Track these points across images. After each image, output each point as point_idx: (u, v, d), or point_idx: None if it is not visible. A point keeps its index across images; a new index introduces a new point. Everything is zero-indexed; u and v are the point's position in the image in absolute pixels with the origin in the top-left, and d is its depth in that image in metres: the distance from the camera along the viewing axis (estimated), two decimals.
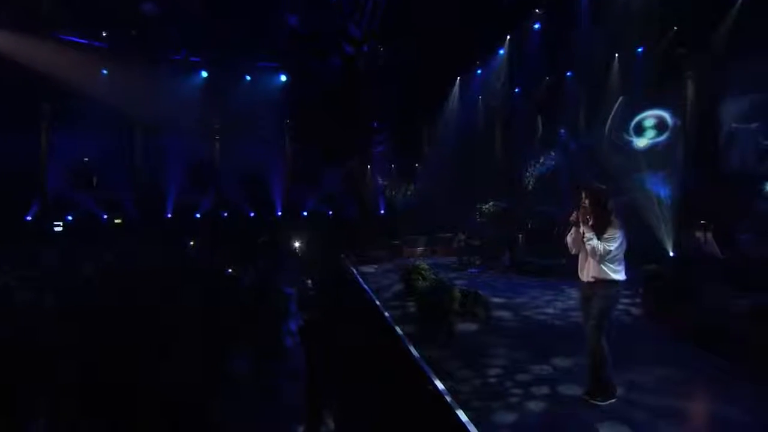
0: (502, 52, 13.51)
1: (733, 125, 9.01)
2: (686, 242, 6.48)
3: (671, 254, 9.06)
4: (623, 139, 11.40)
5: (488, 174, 14.50)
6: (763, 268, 5.26)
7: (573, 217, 3.75)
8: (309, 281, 7.14)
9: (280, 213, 17.00)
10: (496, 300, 7.21)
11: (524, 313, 6.69)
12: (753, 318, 4.69)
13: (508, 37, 13.02)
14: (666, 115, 10.64)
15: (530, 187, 12.75)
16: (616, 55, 11.53)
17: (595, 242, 3.56)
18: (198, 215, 16.39)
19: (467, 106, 15.32)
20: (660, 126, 10.82)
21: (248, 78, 15.96)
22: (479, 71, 14.80)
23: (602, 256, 3.56)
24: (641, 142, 11.28)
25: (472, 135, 15.24)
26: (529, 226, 11.27)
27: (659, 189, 9.44)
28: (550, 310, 6.79)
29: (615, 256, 3.57)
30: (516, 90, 14.35)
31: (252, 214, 16.93)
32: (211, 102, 15.19)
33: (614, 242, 3.55)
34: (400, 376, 4.43)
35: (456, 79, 15.40)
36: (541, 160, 12.67)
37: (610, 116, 11.66)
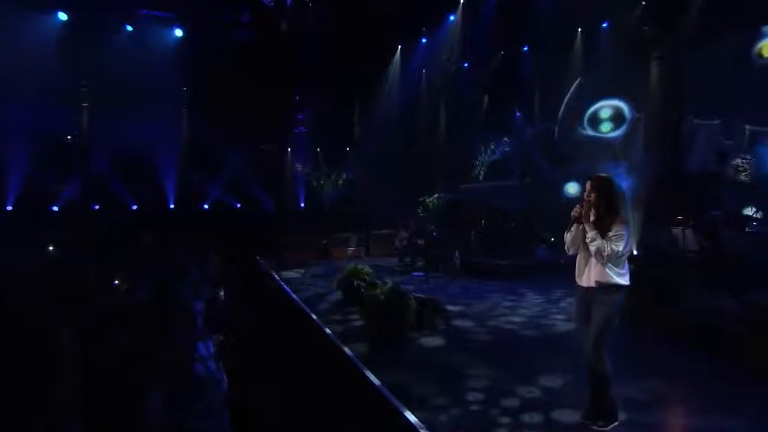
0: (453, 18, 13.47)
1: (695, 121, 9.78)
2: (660, 239, 6.78)
3: (635, 253, 9.61)
4: (576, 131, 11.94)
5: (433, 162, 14.56)
6: (744, 265, 5.54)
7: (575, 212, 3.64)
8: (222, 292, 6.35)
9: (173, 206, 15.57)
10: (454, 308, 7.20)
11: (489, 322, 6.67)
12: (742, 320, 4.88)
13: (462, 0, 13.02)
14: (624, 107, 11.28)
15: (481, 177, 12.90)
16: (579, 29, 12.02)
17: (599, 242, 3.49)
18: (56, 208, 14.27)
19: (409, 82, 15.16)
20: (617, 118, 11.44)
21: (129, 29, 14.14)
22: (424, 40, 14.66)
23: (609, 258, 3.48)
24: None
25: (415, 116, 15.22)
26: (482, 221, 11.32)
27: (622, 181, 9.97)
28: (517, 318, 6.85)
29: (621, 257, 3.53)
30: (465, 65, 14.43)
31: (134, 207, 15.23)
32: (74, 57, 13.14)
33: (621, 241, 3.48)
34: (360, 411, 4.01)
35: (397, 48, 15.13)
36: (492, 147, 12.85)
37: (564, 101, 12.16)
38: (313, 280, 10.11)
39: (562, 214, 12.16)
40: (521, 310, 7.32)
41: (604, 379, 3.56)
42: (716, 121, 9.63)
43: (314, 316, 6.79)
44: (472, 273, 10.20)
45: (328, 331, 6.03)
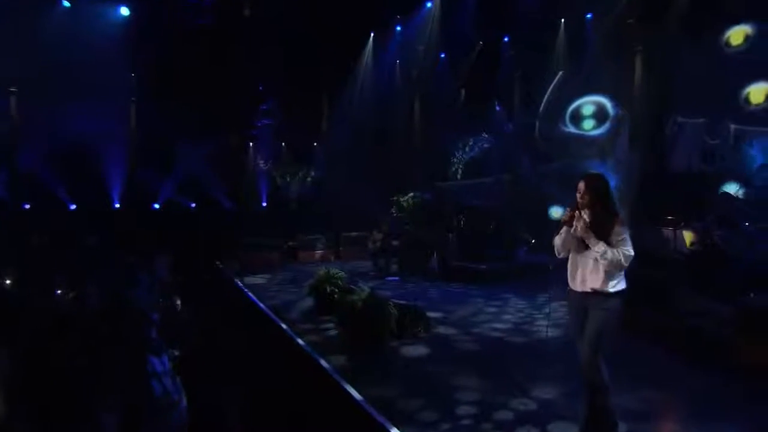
0: (429, 5, 13.48)
1: (680, 119, 10.10)
2: (650, 240, 6.92)
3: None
4: (558, 128, 12.14)
5: (408, 159, 14.54)
6: (737, 266, 5.71)
7: (566, 216, 3.59)
8: (178, 300, 6.10)
9: (118, 205, 15.00)
10: (434, 314, 7.15)
11: (474, 330, 6.65)
12: (736, 324, 5.00)
13: None
14: (606, 104, 11.50)
15: (459, 174, 12.94)
16: (562, 20, 12.23)
17: (611, 254, 3.39)
18: None
19: (382, 72, 15.07)
20: (599, 115, 11.66)
21: (66, 4, 13.42)
22: (398, 28, 14.61)
23: (624, 266, 3.43)
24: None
25: (389, 109, 15.15)
26: (461, 223, 11.34)
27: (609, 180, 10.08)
28: (502, 325, 6.86)
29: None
30: (442, 55, 14.47)
31: (73, 207, 14.53)
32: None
33: (629, 243, 3.46)
34: (342, 431, 3.79)
35: (369, 36, 15.03)
36: (470, 143, 12.92)
37: (545, 96, 12.35)
38: (281, 286, 9.93)
39: (544, 214, 12.38)
40: (505, 316, 7.35)
41: (602, 390, 3.51)
42: (701, 120, 9.96)
43: (285, 326, 6.59)
44: (451, 277, 10.22)
45: (301, 342, 5.86)
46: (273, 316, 7.32)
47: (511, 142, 12.41)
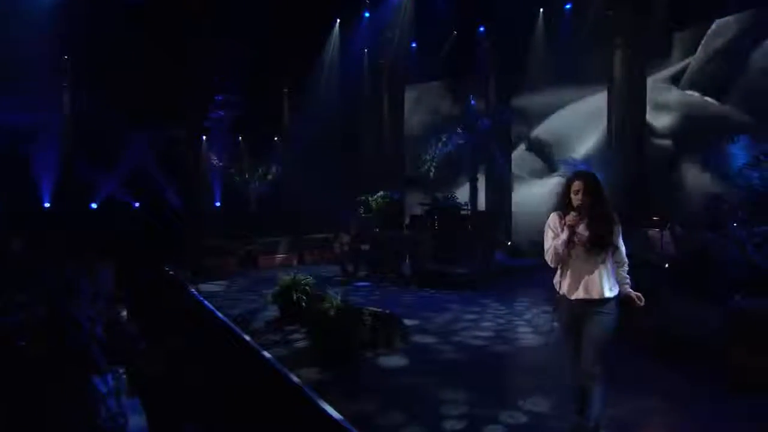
0: None
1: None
2: (634, 242, 7.07)
3: None
4: None
5: (377, 155, 14.47)
6: (724, 268, 5.89)
7: (571, 219, 3.46)
8: (123, 312, 5.86)
9: (48, 204, 14.41)
10: (410, 322, 7.12)
11: (454, 338, 6.63)
12: (725, 330, 5.14)
13: None
14: None
15: (431, 173, 12.99)
16: (541, 10, 12.44)
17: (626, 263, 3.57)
18: None
19: (349, 63, 14.96)
20: None
21: None
22: (367, 14, 14.53)
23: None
24: None
25: (356, 102, 15.01)
26: (435, 224, 11.37)
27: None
28: (483, 333, 6.87)
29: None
30: (414, 45, 14.49)
31: None
32: None
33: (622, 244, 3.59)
34: None
35: (335, 22, 14.89)
36: (443, 139, 13.00)
37: None
38: (240, 293, 9.77)
39: (522, 215, 12.53)
40: (485, 323, 7.38)
41: (598, 404, 3.50)
42: None
43: (248, 338, 6.40)
44: (425, 282, 10.23)
45: (267, 355, 5.67)
46: (234, 327, 7.11)
47: (486, 137, 12.51)
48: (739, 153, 8.14)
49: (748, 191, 7.45)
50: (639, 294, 3.54)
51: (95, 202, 15.18)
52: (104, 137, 14.38)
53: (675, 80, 13.59)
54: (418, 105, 15.42)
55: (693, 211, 9.08)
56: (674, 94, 13.12)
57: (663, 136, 12.92)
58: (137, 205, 15.70)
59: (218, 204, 16.83)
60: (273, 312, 7.55)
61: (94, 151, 14.46)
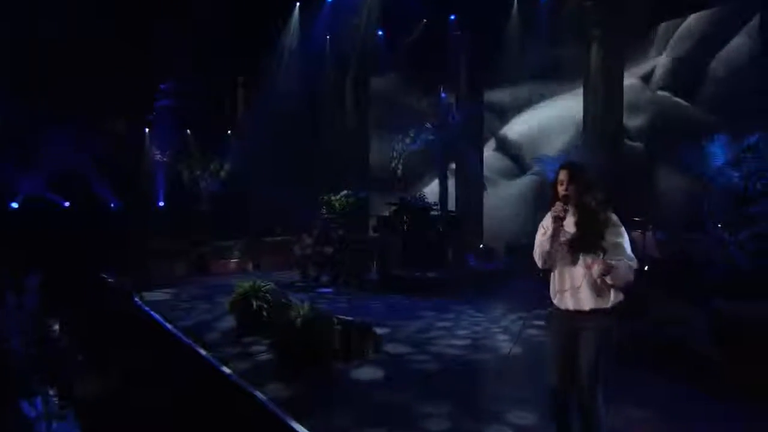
0: None
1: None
2: None
3: None
4: None
5: (341, 152, 14.42)
6: (706, 271, 6.11)
7: (558, 210, 3.27)
8: (55, 326, 5.64)
9: None
10: (381, 330, 7.03)
11: (429, 347, 6.64)
12: (710, 333, 5.33)
13: None
14: None
15: (399, 171, 13.02)
16: None
17: (623, 267, 3.11)
18: None
19: (311, 51, 14.83)
20: None
21: None
22: None
23: (628, 279, 3.16)
24: None
25: (318, 94, 14.95)
26: (403, 226, 11.40)
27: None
28: (460, 341, 6.90)
29: None
30: (380, 33, 14.46)
31: None
32: None
33: (629, 250, 3.25)
34: None
35: (295, 6, 14.72)
36: (411, 134, 13.06)
37: None
38: (191, 302, 9.58)
39: (491, 218, 12.69)
40: (460, 330, 7.43)
41: (596, 426, 3.33)
42: None
43: (203, 352, 6.22)
44: (394, 287, 10.27)
45: (226, 370, 5.51)
46: (186, 339, 6.90)
47: (457, 133, 12.61)
48: (717, 152, 8.45)
49: (728, 191, 7.74)
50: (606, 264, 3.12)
51: (16, 201, 14.53)
52: (26, 129, 13.85)
53: (645, 80, 14.23)
54: (385, 97, 15.37)
55: (672, 213, 9.38)
56: (646, 95, 13.65)
57: (635, 137, 13.41)
58: (67, 204, 15.11)
59: (162, 203, 16.40)
60: (229, 322, 7.40)
61: (15, 145, 13.85)
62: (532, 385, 4.99)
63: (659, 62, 13.95)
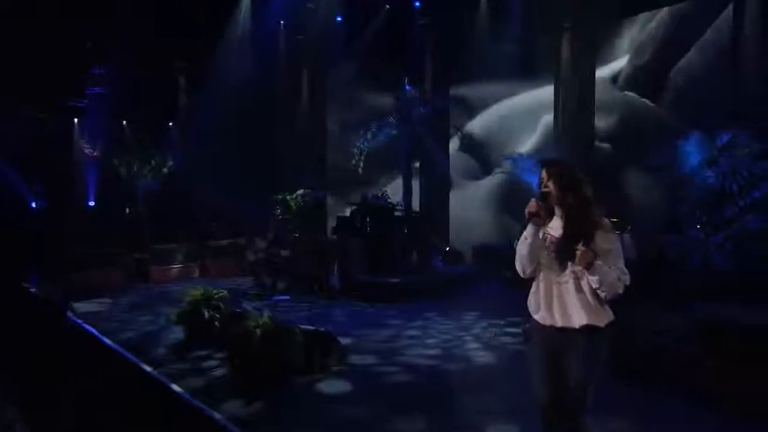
0: None
1: None
2: None
3: None
4: None
5: (296, 147, 14.31)
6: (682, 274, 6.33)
7: (532, 205, 3.15)
8: None
9: None
10: (345, 340, 7.02)
11: (398, 358, 6.65)
12: (690, 340, 5.50)
13: None
14: None
15: (360, 169, 13.03)
16: None
17: (612, 275, 2.97)
18: None
19: (263, 38, 14.66)
20: None
21: None
22: None
23: (619, 290, 3.01)
24: None
25: (271, 85, 14.85)
26: (365, 227, 11.41)
27: (535, 175, 10.75)
28: (430, 351, 6.94)
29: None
30: (339, 19, 14.42)
31: None
32: None
33: (622, 260, 3.10)
34: None
35: None
36: (373, 129, 13.08)
37: None
38: (130, 313, 9.39)
39: (454, 219, 12.88)
40: (430, 339, 7.49)
41: None
42: None
43: (148, 369, 5.97)
44: (356, 293, 10.29)
45: (176, 389, 5.29)
46: (127, 355, 6.63)
47: (421, 128, 12.69)
48: (692, 151, 8.77)
49: (704, 191, 8.05)
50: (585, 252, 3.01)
51: None
52: None
53: (613, 80, 14.75)
54: (344, 89, 15.33)
55: (645, 214, 9.67)
56: (614, 94, 14.15)
57: (604, 137, 13.84)
58: None
59: (92, 203, 15.85)
60: (177, 335, 7.22)
61: None
62: (511, 396, 5.06)
63: (625, 63, 14.55)
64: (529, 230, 3.20)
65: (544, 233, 3.20)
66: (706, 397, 4.88)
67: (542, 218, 3.18)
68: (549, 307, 3.14)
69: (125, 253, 12.85)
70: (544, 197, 3.17)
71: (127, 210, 15.36)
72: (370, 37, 14.17)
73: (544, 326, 3.16)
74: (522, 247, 3.20)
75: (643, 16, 12.85)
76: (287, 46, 15.06)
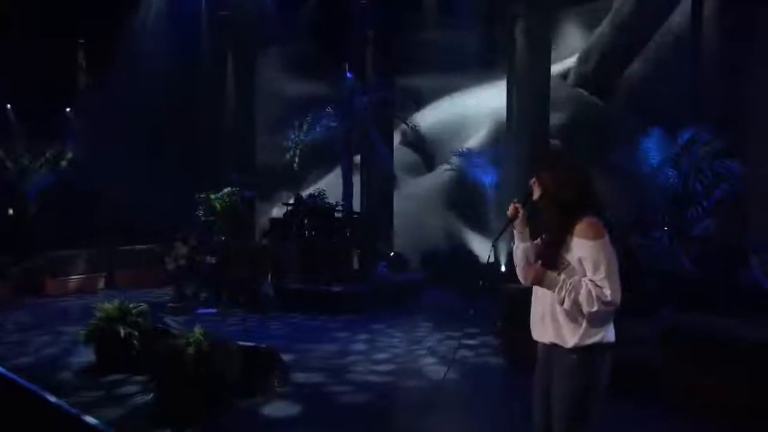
0: None
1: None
2: None
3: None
4: None
5: (221, 139, 14.16)
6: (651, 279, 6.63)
7: (511, 210, 3.13)
8: None
9: None
10: (287, 356, 6.94)
11: (347, 375, 6.68)
12: (663, 349, 5.77)
13: None
14: None
15: (295, 165, 12.95)
16: None
17: (577, 285, 2.84)
18: None
19: (181, 15, 14.46)
20: None
21: None
22: None
23: (610, 304, 2.83)
24: None
25: (192, 68, 14.56)
26: (302, 230, 11.39)
27: (488, 173, 11.05)
28: (383, 366, 7.01)
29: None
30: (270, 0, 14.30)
31: None
32: None
33: (604, 275, 2.84)
34: None
35: None
36: (309, 120, 13.05)
37: None
38: (22, 333, 8.94)
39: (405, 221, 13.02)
40: (380, 354, 7.55)
41: None
42: None
43: (53, 399, 5.64)
44: (293, 305, 10.28)
45: (91, 421, 5.07)
46: (26, 384, 6.28)
47: (363, 120, 12.77)
48: (652, 149, 9.19)
49: (666, 191, 8.46)
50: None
51: None
52: None
53: (563, 76, 15.38)
54: (276, 74, 15.17)
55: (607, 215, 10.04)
56: (565, 91, 14.74)
57: (554, 134, 14.39)
58: None
59: None
60: (85, 357, 6.94)
61: None
62: (478, 414, 5.17)
63: (575, 60, 15.28)
64: (515, 236, 3.20)
65: (541, 240, 3.17)
66: (678, 406, 5.13)
67: (523, 222, 3.12)
68: (539, 321, 3.11)
69: (11, 262, 12.22)
70: (525, 200, 3.13)
71: (10, 211, 14.58)
72: (305, 18, 14.13)
73: (536, 343, 3.15)
74: (515, 255, 3.22)
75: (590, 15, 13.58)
76: (210, 22, 14.80)
